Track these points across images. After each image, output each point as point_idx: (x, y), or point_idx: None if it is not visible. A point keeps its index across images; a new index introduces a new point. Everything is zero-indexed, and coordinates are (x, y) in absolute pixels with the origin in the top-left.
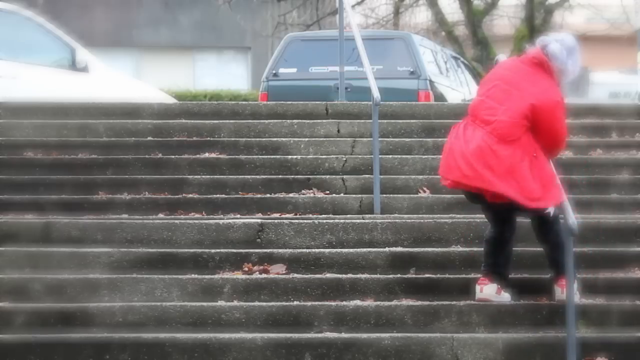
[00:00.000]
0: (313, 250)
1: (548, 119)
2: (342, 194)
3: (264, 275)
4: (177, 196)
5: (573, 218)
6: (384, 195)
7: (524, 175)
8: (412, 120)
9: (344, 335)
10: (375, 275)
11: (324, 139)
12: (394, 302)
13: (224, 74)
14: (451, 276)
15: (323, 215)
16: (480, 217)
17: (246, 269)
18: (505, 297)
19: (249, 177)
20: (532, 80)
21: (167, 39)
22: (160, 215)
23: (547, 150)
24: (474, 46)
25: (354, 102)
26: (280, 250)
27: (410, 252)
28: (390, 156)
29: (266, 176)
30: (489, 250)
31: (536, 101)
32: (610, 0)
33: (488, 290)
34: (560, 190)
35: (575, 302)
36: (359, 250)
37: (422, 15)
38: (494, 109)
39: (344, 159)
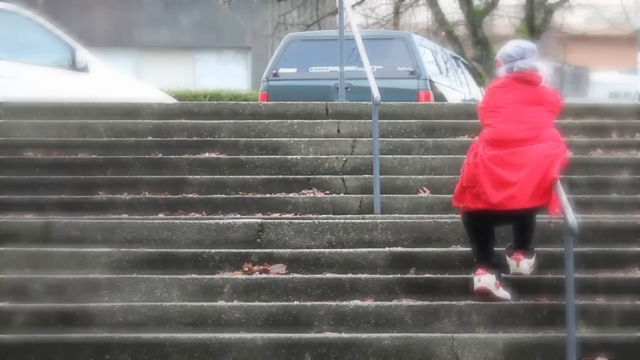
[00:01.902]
0: (313, 250)
1: None
2: (342, 194)
3: (264, 275)
4: (177, 196)
5: (573, 218)
6: (384, 195)
7: None
8: (412, 120)
9: (344, 335)
10: (375, 275)
11: (324, 139)
12: (394, 302)
13: (224, 74)
14: (451, 276)
15: (323, 215)
16: None
17: (246, 269)
18: (505, 294)
19: (249, 177)
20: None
21: (167, 39)
22: (160, 215)
23: None
24: (474, 46)
25: (354, 102)
26: (280, 250)
27: (410, 252)
28: (390, 156)
29: (266, 176)
30: (478, 247)
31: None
32: (610, 0)
33: (486, 279)
34: None
35: (527, 273)
36: (359, 250)
37: (422, 15)
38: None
39: (344, 159)
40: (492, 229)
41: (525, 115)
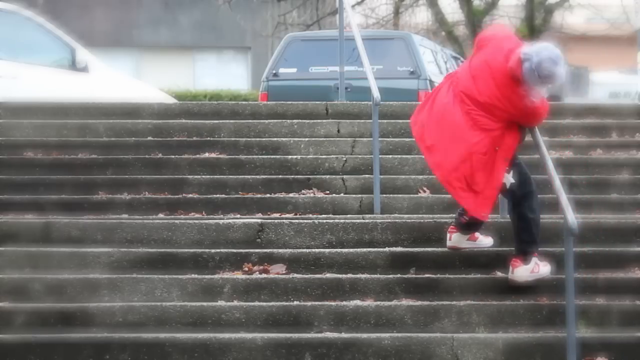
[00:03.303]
0: (313, 250)
1: None
2: (342, 194)
3: (264, 275)
4: (177, 196)
5: (573, 218)
6: (384, 195)
7: None
8: None
9: (344, 335)
10: (375, 275)
11: (324, 139)
12: (394, 302)
13: (224, 74)
14: (451, 276)
15: (323, 215)
16: None
17: (246, 269)
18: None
19: (249, 177)
20: None
21: (167, 39)
22: (160, 215)
23: None
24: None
25: (354, 102)
26: (280, 250)
27: (410, 252)
28: (390, 156)
29: (266, 176)
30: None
31: None
32: (610, 0)
33: (456, 238)
34: None
35: (546, 275)
36: (359, 250)
37: (422, 15)
38: None
39: (344, 159)
40: None
41: (487, 94)
